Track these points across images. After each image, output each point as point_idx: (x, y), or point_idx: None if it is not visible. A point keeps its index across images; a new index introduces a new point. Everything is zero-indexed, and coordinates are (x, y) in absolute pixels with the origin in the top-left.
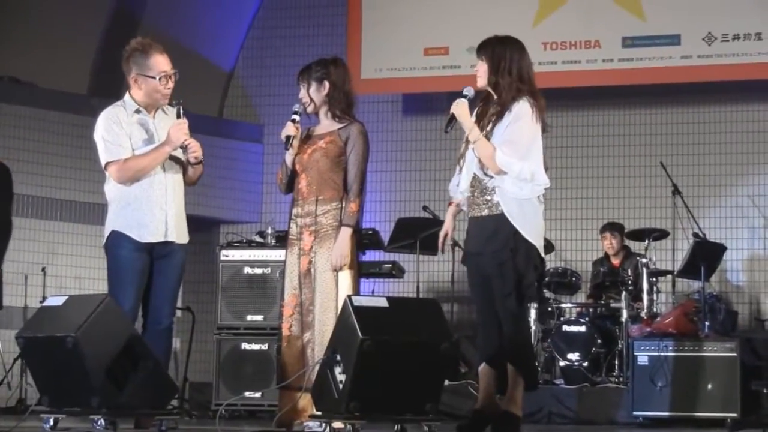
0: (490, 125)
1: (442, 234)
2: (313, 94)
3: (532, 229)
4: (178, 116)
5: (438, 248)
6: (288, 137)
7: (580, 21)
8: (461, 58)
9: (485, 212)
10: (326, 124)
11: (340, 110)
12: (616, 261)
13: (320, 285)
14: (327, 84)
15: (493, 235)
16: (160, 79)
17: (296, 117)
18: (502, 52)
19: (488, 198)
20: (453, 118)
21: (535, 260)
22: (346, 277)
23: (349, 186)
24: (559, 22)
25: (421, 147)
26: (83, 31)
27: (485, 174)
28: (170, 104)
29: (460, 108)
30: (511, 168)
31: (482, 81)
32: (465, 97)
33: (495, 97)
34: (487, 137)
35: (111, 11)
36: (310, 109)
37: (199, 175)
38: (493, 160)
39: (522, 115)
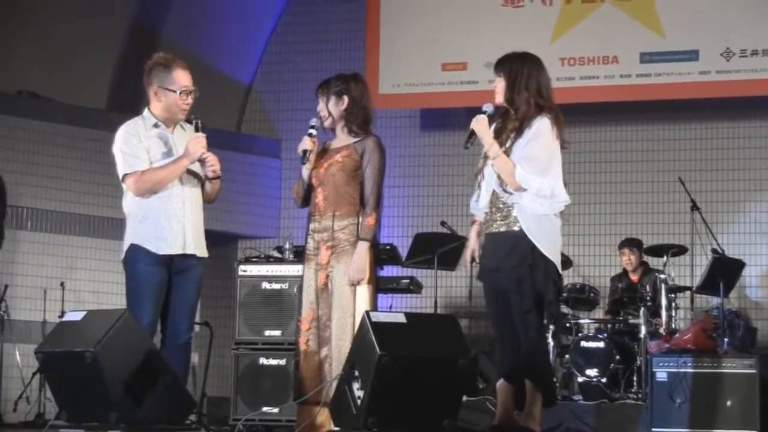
0: (509, 141)
1: (468, 253)
2: (332, 108)
3: (551, 245)
4: (197, 130)
5: (465, 267)
6: (304, 151)
7: (598, 36)
8: (479, 73)
9: (503, 228)
10: (343, 138)
11: (357, 125)
12: (634, 277)
13: (337, 300)
14: (346, 99)
15: (511, 251)
16: (180, 93)
17: (313, 131)
18: (520, 68)
19: (506, 214)
20: (473, 133)
21: (554, 276)
22: (363, 292)
23: (366, 199)
24: (577, 38)
25: (438, 162)
26: (102, 47)
27: (504, 190)
28: (188, 120)
29: (480, 124)
30: (531, 184)
31: (500, 97)
32: (485, 113)
33: (513, 113)
34: (507, 153)
35: (130, 27)
36: (327, 123)
37: (218, 191)
38: (513, 176)
39: (542, 131)
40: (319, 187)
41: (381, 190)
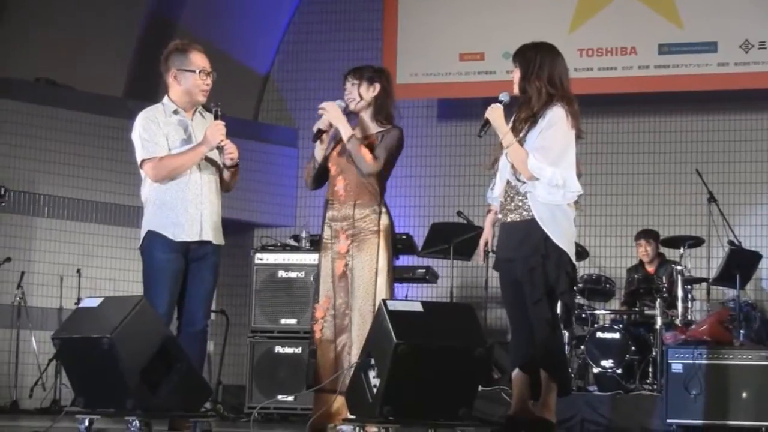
0: (524, 131)
1: (482, 242)
2: (363, 92)
3: (563, 235)
4: (216, 118)
5: (479, 256)
6: (319, 131)
7: (616, 27)
8: (497, 63)
9: (517, 218)
10: (366, 126)
11: (383, 116)
12: (650, 268)
13: (358, 289)
14: (378, 86)
15: (524, 241)
16: (199, 73)
17: None
18: (533, 57)
19: (520, 203)
20: (487, 122)
21: (567, 267)
22: (380, 281)
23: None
24: (596, 29)
25: (455, 152)
26: (120, 35)
27: (518, 179)
28: (207, 108)
29: (494, 113)
30: (543, 174)
31: (516, 88)
32: (501, 102)
33: (526, 102)
34: (521, 143)
35: (148, 15)
36: (353, 106)
37: (235, 179)
38: (526, 165)
39: (556, 121)
40: (340, 176)
41: (389, 159)
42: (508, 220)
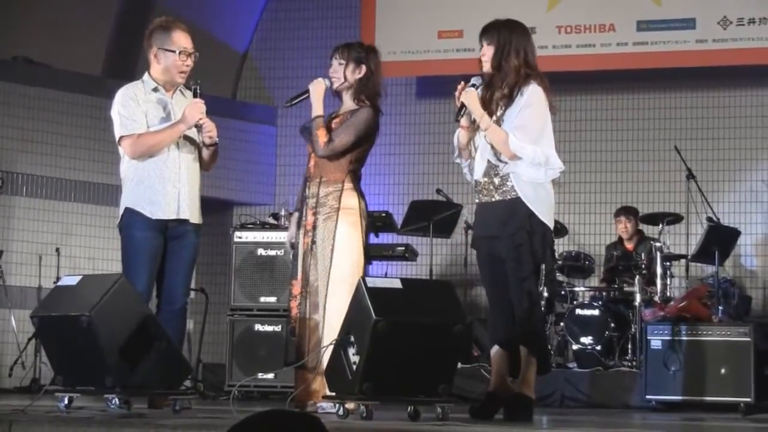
0: (500, 111)
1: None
2: (348, 73)
3: (547, 213)
4: (195, 96)
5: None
6: (303, 93)
7: (594, 5)
8: (475, 41)
9: (498, 197)
10: (345, 105)
11: (366, 97)
12: (629, 245)
13: (318, 266)
14: (364, 68)
15: (509, 219)
16: (179, 54)
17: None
18: (508, 36)
19: (502, 183)
20: (463, 106)
21: (551, 243)
22: (344, 260)
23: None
24: (574, 6)
25: (434, 130)
26: (98, 13)
27: (499, 160)
28: (187, 86)
29: (470, 96)
30: (525, 152)
31: (488, 65)
32: (474, 86)
33: (500, 81)
34: (498, 123)
35: None
36: (336, 86)
37: (215, 158)
38: (507, 145)
39: (534, 100)
40: (312, 153)
41: (347, 141)
42: (490, 199)
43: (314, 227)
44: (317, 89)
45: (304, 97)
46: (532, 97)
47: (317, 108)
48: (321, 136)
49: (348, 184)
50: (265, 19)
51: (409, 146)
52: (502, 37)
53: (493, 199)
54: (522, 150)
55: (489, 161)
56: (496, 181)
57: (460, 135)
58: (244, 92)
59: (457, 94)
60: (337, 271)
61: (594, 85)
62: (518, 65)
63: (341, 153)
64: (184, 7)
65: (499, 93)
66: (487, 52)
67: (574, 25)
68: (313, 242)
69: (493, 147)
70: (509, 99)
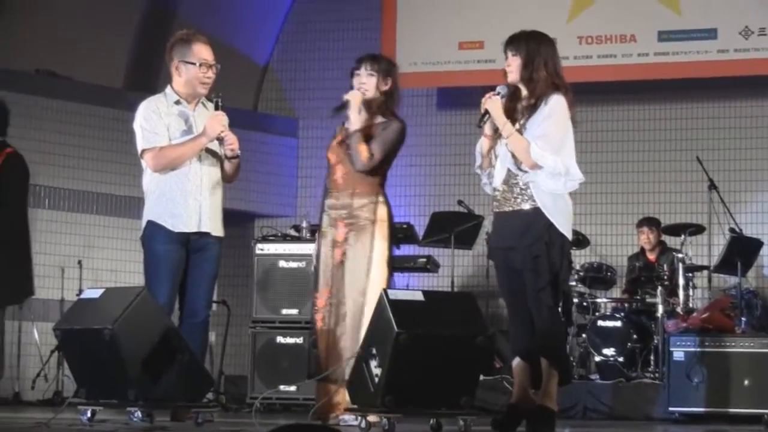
0: (523, 120)
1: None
2: (379, 84)
3: (566, 224)
4: (217, 109)
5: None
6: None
7: (615, 15)
8: (496, 52)
9: (517, 206)
10: (372, 116)
11: (389, 109)
12: (651, 256)
13: (352, 278)
14: (390, 81)
15: (526, 230)
16: (200, 66)
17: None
18: (536, 47)
19: (522, 193)
20: (486, 113)
21: (569, 255)
22: (375, 272)
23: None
24: (595, 16)
25: (455, 141)
26: (119, 25)
27: (519, 169)
28: (209, 99)
29: (494, 104)
30: (546, 162)
31: (514, 76)
32: (500, 95)
33: (526, 92)
34: (520, 132)
35: (147, 5)
36: (367, 95)
37: (237, 171)
38: (528, 154)
39: (557, 110)
40: (339, 164)
41: (385, 157)
42: (508, 209)
43: (346, 239)
44: (355, 101)
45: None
46: (555, 107)
47: (355, 122)
48: (363, 151)
49: (381, 197)
50: (286, 31)
51: (430, 158)
52: (530, 48)
53: (512, 209)
54: (543, 159)
55: (509, 170)
56: (516, 190)
57: (483, 143)
58: (266, 104)
59: (482, 101)
60: (374, 283)
61: (615, 95)
62: (547, 76)
63: (377, 166)
64: (205, 20)
65: (524, 102)
66: (513, 63)
67: (594, 35)
68: (344, 253)
69: (513, 156)
70: (533, 108)
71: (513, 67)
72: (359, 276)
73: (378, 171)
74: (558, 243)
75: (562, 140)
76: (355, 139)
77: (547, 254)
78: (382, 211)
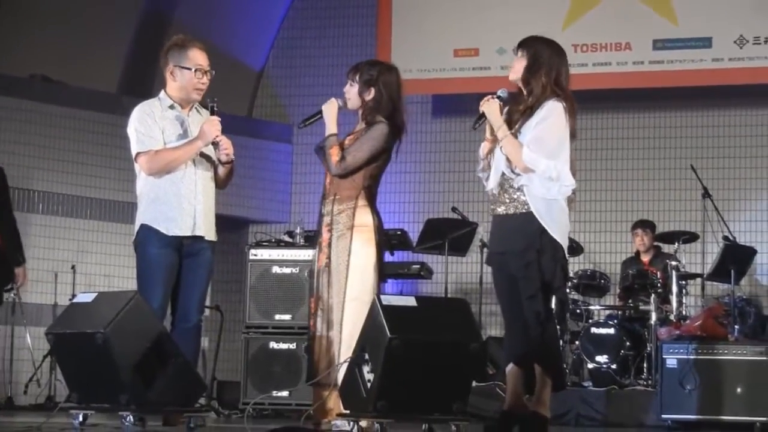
0: (519, 123)
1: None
2: (359, 94)
3: (559, 229)
4: (212, 114)
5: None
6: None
7: (611, 23)
8: (491, 59)
9: (511, 210)
10: (358, 123)
11: (383, 117)
12: (645, 258)
13: (334, 284)
14: (373, 90)
15: (518, 234)
16: (195, 71)
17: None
18: (542, 52)
19: (515, 196)
20: (482, 115)
21: (562, 261)
22: (356, 278)
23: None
24: (590, 24)
25: (450, 148)
26: (114, 31)
27: (513, 172)
28: (203, 105)
29: (491, 106)
30: (537, 165)
31: (515, 75)
32: (499, 98)
33: (526, 95)
34: (515, 135)
35: (142, 11)
36: (350, 106)
37: (230, 176)
38: (520, 156)
39: (552, 114)
40: (328, 171)
41: (360, 157)
42: (502, 212)
43: (329, 245)
44: (330, 109)
45: (317, 117)
46: (551, 111)
47: (331, 127)
48: (334, 154)
49: (361, 201)
50: (281, 38)
51: (424, 164)
52: (538, 51)
53: (507, 212)
54: (534, 163)
55: (503, 173)
56: (510, 193)
57: (483, 146)
58: (260, 110)
59: (481, 103)
60: (352, 288)
61: (610, 103)
62: (546, 83)
63: (355, 170)
64: (201, 26)
65: (522, 106)
66: (517, 65)
67: (590, 43)
68: (328, 259)
69: (507, 159)
70: (530, 112)
71: (516, 67)
72: (340, 282)
73: (358, 174)
74: (550, 250)
75: (557, 145)
76: (327, 143)
77: (538, 261)
78: (362, 217)
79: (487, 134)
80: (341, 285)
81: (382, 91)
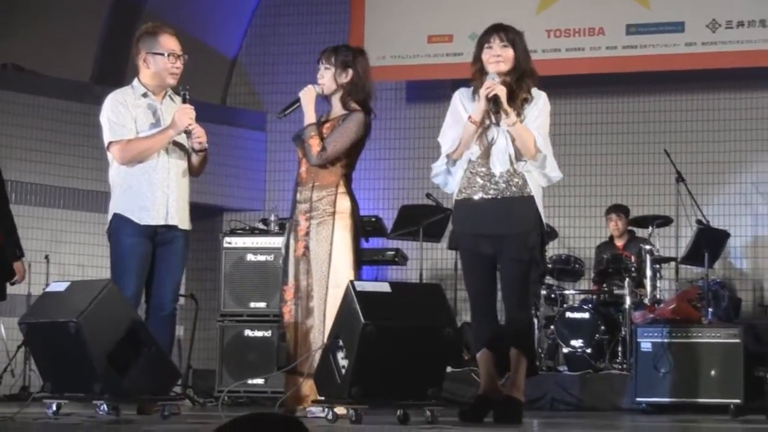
0: (515, 112)
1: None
2: (335, 77)
3: (543, 217)
4: (184, 102)
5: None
6: (295, 102)
7: (584, 8)
8: (465, 45)
9: (508, 194)
10: (334, 110)
11: (356, 101)
12: (620, 242)
13: (315, 271)
14: (350, 72)
15: (519, 218)
16: (168, 56)
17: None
18: (522, 42)
19: (512, 180)
20: (497, 98)
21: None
22: (338, 264)
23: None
24: (563, 9)
25: (424, 135)
26: (86, 19)
27: (517, 158)
28: (176, 92)
29: (502, 90)
30: (548, 153)
31: (506, 66)
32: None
33: (519, 83)
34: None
35: (114, 0)
36: (325, 91)
37: (204, 164)
38: (532, 146)
39: (546, 108)
40: (303, 158)
41: (341, 148)
42: (498, 196)
43: (307, 233)
44: (308, 97)
45: (295, 106)
46: (544, 105)
47: (309, 116)
48: (314, 145)
49: (341, 188)
50: (254, 25)
51: (398, 151)
52: (521, 41)
53: (501, 196)
54: (546, 149)
55: (510, 156)
56: (504, 176)
57: (468, 129)
58: (234, 98)
59: (487, 87)
60: (336, 276)
61: (583, 88)
62: (532, 73)
63: (334, 160)
64: (173, 14)
65: (523, 95)
66: (505, 53)
67: (563, 28)
68: (306, 247)
69: (513, 143)
70: (526, 102)
71: (504, 57)
72: (322, 268)
73: (338, 163)
74: (543, 235)
75: (546, 137)
76: (307, 132)
77: (541, 247)
78: (342, 203)
79: (475, 117)
80: (323, 273)
81: (360, 73)
